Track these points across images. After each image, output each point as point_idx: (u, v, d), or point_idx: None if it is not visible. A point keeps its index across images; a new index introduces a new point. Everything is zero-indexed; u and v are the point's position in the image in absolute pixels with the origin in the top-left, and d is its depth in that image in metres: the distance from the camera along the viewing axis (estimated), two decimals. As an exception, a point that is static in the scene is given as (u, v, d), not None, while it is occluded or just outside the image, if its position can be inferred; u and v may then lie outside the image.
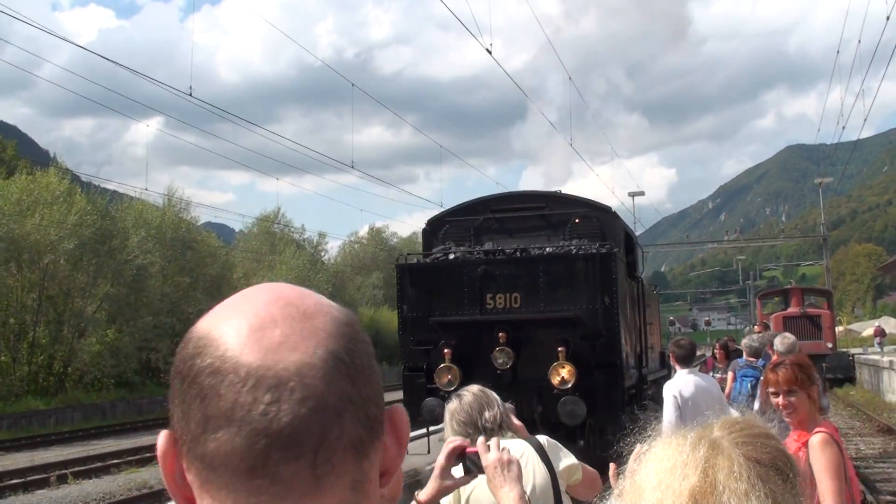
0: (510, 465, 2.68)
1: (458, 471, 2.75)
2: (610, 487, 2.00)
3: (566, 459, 3.63)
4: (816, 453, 4.10)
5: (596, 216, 12.56)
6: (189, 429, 0.78)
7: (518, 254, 11.40)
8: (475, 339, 11.07)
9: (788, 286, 44.16)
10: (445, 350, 10.94)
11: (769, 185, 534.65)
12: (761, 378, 9.81)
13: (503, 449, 2.71)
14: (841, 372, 33.42)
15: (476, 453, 2.70)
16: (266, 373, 0.77)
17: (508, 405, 3.79)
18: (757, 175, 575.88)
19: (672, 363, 8.24)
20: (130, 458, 19.60)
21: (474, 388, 3.68)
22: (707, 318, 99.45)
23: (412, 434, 11.84)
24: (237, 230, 65.17)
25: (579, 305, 11.02)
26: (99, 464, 19.10)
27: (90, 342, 33.62)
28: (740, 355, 11.31)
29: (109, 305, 35.22)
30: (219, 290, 42.42)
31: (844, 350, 38.82)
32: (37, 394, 31.02)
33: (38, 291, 32.63)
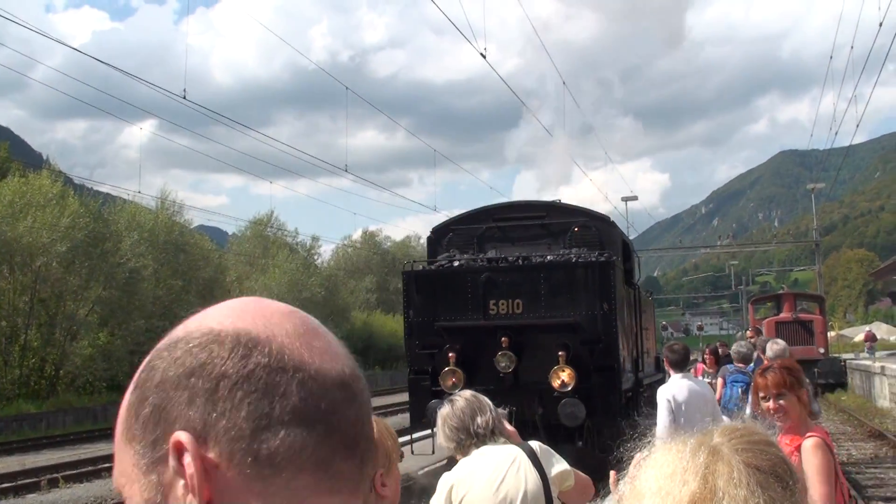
0: None
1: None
2: (609, 493, 2.00)
3: (558, 465, 3.63)
4: (808, 457, 4.12)
5: (595, 225, 13.04)
6: (235, 426, 0.78)
7: (520, 261, 11.85)
8: (479, 344, 11.48)
9: (781, 291, 44.27)
10: (450, 354, 11.37)
11: (762, 190, 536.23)
12: (752, 384, 9.90)
13: None
14: (833, 377, 33.48)
15: None
16: (330, 374, 0.83)
17: (501, 410, 3.79)
18: (750, 180, 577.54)
19: (666, 368, 8.31)
20: (122, 462, 19.50)
21: (467, 393, 3.68)
22: (699, 323, 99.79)
23: (417, 435, 11.94)
24: (230, 233, 65.12)
25: (579, 311, 11.44)
26: (90, 468, 19.02)
27: (82, 345, 33.49)
28: (731, 361, 11.40)
29: (102, 308, 35.12)
30: (211, 293, 42.35)
31: (836, 355, 38.92)
32: (28, 397, 30.90)
33: (30, 294, 32.51)
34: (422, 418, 11.26)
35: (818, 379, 30.17)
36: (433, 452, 11.46)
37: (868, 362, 31.85)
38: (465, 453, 3.53)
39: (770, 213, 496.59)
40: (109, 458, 20.48)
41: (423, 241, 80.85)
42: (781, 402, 4.27)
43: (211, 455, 0.77)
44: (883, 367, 26.69)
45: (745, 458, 1.10)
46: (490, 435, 3.52)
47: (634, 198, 53.72)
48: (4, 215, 31.22)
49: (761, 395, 4.36)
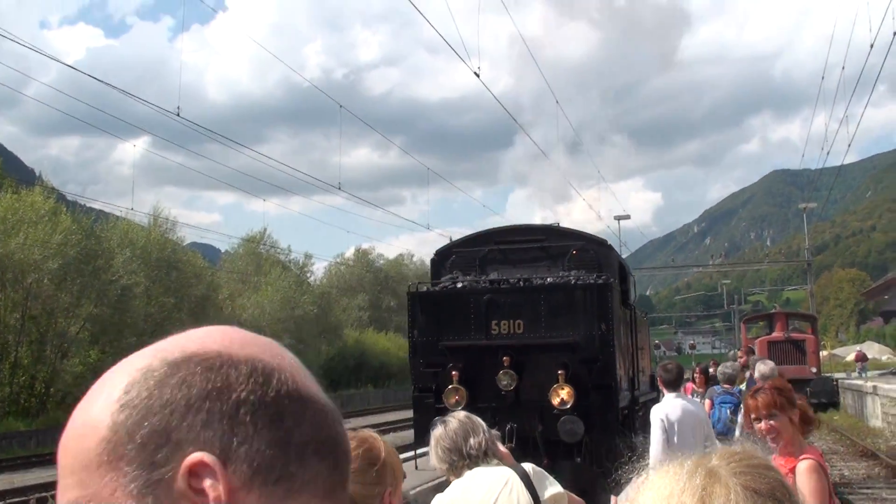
0: None
1: None
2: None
3: (552, 488, 3.60)
4: (803, 480, 4.11)
5: (592, 249, 13.51)
6: (257, 451, 0.79)
7: (521, 283, 12.27)
8: (481, 363, 11.94)
9: (773, 311, 44.34)
10: (453, 372, 11.80)
11: (754, 209, 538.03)
12: (740, 404, 9.95)
13: None
14: (825, 396, 33.48)
15: None
16: (330, 405, 0.87)
17: (494, 432, 3.78)
18: (742, 199, 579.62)
19: (660, 387, 8.33)
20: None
21: (460, 414, 3.67)
22: (692, 342, 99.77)
23: (421, 451, 11.98)
24: (223, 251, 64.95)
25: (578, 332, 11.86)
26: (80, 486, 18.89)
27: (73, 363, 33.37)
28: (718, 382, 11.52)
29: (93, 326, 35.00)
30: (204, 311, 42.23)
31: (829, 375, 38.94)
32: (18, 415, 30.73)
33: (21, 311, 32.38)
34: (425, 435, 11.47)
35: (810, 398, 30.16)
36: (436, 469, 11.60)
37: (860, 382, 31.88)
38: (458, 475, 3.51)
39: (762, 232, 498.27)
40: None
41: (416, 259, 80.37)
42: (773, 422, 4.27)
43: (231, 479, 0.77)
44: (875, 387, 26.72)
45: (743, 482, 1.09)
46: (483, 456, 3.50)
47: (627, 216, 53.87)
48: (-4, 232, 31.14)
49: (753, 416, 4.36)
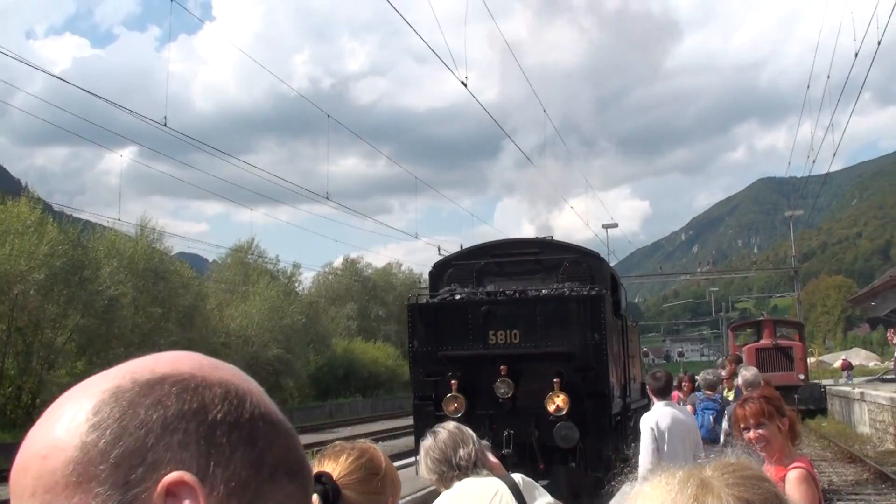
0: None
1: None
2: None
3: (541, 499, 3.59)
4: (793, 490, 4.10)
5: (585, 261, 13.91)
6: (235, 474, 0.79)
7: (517, 295, 12.69)
8: (479, 371, 12.35)
9: (760, 318, 44.54)
10: (452, 381, 12.21)
11: (741, 217, 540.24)
12: (723, 410, 9.98)
13: None
14: (813, 403, 33.60)
15: None
16: (293, 429, 0.88)
17: (485, 442, 3.76)
18: (729, 207, 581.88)
19: (650, 395, 8.32)
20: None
21: (450, 425, 3.65)
22: (680, 350, 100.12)
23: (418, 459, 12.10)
24: (211, 260, 64.72)
25: (572, 341, 12.28)
26: (66, 498, 18.76)
27: (59, 374, 33.11)
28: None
29: (80, 337, 34.78)
30: (191, 321, 42.03)
31: (816, 381, 39.07)
32: (3, 426, 30.47)
33: (7, 322, 32.14)
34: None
35: (798, 405, 30.26)
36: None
37: (847, 388, 31.99)
38: (447, 485, 3.49)
39: (749, 239, 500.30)
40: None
41: (405, 268, 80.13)
42: (761, 431, 4.26)
43: (209, 500, 0.77)
44: (862, 394, 26.81)
45: (736, 493, 1.08)
46: (472, 467, 3.48)
47: (615, 225, 53.95)
48: (-18, 243, 30.93)
49: (742, 426, 4.36)
